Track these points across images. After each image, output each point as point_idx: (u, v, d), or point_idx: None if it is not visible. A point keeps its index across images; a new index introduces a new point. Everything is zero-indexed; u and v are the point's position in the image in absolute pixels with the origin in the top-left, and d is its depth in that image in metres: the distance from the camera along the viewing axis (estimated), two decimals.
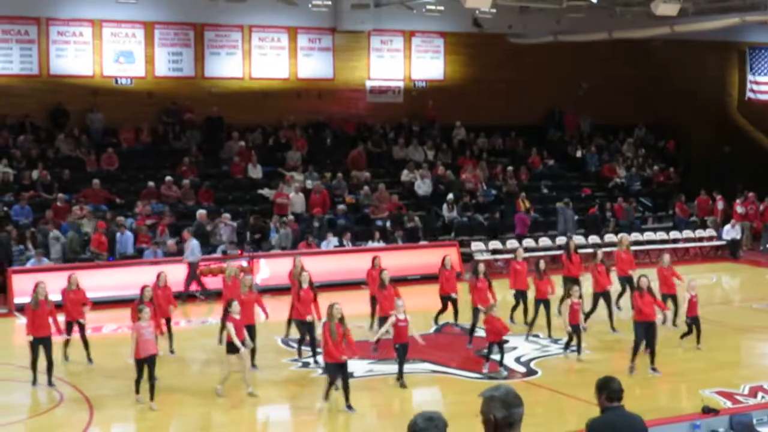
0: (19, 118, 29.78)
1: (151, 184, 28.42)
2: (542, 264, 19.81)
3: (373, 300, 19.06)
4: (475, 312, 18.68)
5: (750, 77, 39.59)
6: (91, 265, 24.27)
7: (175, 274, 23.47)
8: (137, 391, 14.97)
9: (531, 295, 20.02)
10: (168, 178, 28.74)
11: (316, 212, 28.42)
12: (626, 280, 21.15)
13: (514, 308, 20.24)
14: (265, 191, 29.84)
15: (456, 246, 27.61)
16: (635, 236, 30.16)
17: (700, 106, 37.57)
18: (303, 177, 30.30)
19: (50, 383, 16.10)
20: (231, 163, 30.66)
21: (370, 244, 27.12)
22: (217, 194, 29.41)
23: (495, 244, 29.07)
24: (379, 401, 16.03)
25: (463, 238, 29.15)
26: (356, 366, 17.26)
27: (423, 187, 31.49)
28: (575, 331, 17.77)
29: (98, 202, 27.57)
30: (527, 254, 25.10)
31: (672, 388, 16.58)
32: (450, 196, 30.54)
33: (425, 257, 26.21)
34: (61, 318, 17.09)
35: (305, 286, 17.36)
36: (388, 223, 28.86)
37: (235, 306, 15.51)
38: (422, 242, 28.43)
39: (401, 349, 16.05)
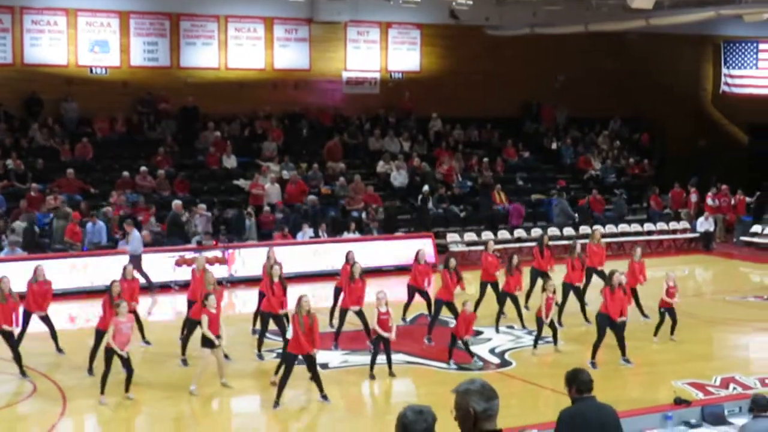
0: None
1: (126, 174, 28.29)
2: (515, 259, 19.81)
3: (336, 292, 19.10)
4: (437, 304, 18.71)
5: (724, 71, 39.81)
6: (65, 254, 24.15)
7: (150, 264, 23.47)
8: (102, 391, 14.80)
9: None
10: (143, 168, 28.60)
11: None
12: (594, 272, 21.17)
13: (478, 301, 20.14)
14: (241, 182, 29.78)
15: (431, 237, 27.68)
16: (610, 228, 30.46)
17: (676, 99, 37.77)
18: (279, 168, 30.24)
19: (23, 374, 16.01)
20: (206, 153, 30.56)
21: (346, 235, 27.13)
22: (193, 184, 29.29)
23: (470, 236, 29.15)
24: (352, 392, 16.06)
25: (438, 230, 29.19)
26: (331, 357, 17.31)
27: (399, 178, 31.50)
28: (550, 324, 17.82)
29: (72, 191, 27.41)
30: (501, 246, 25.22)
31: (644, 379, 16.68)
32: (425, 187, 30.55)
33: (400, 248, 26.27)
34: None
35: (276, 279, 17.37)
36: (363, 215, 28.88)
37: (212, 300, 15.47)
38: (398, 233, 28.48)
39: (380, 340, 16.04)
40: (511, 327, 19.65)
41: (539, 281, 20.49)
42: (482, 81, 34.89)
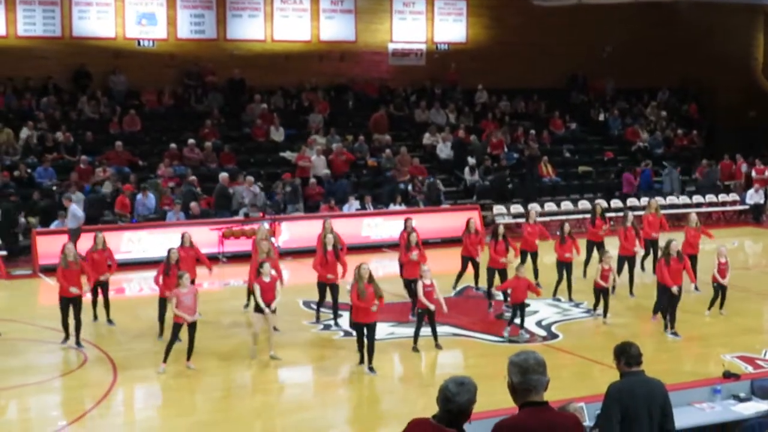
0: (42, 80, 29.93)
1: (173, 146, 28.49)
2: (567, 227, 19.78)
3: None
4: (489, 273, 18.73)
5: None
6: (115, 227, 24.42)
7: (199, 237, 23.61)
8: (165, 360, 14.99)
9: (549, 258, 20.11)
10: (190, 140, 28.80)
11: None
12: (650, 243, 21.17)
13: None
14: (287, 154, 29.88)
15: (477, 209, 27.62)
16: (658, 200, 30.30)
17: (725, 69, 37.21)
18: (325, 140, 30.31)
19: (78, 344, 16.24)
20: (253, 125, 30.69)
21: (392, 208, 27.16)
22: (239, 157, 29.46)
23: (516, 208, 29.07)
24: (400, 363, 16.11)
25: (484, 202, 29.13)
26: (377, 329, 17.35)
27: (445, 150, 31.44)
28: (603, 294, 17.73)
29: (121, 164, 27.70)
30: (548, 218, 25.03)
31: (693, 352, 16.58)
32: (472, 159, 30.46)
33: (447, 220, 26.25)
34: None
35: (329, 248, 17.50)
36: (410, 187, 28.86)
37: (266, 268, 15.56)
38: (444, 205, 28.47)
39: (425, 313, 16.06)
40: (558, 299, 19.60)
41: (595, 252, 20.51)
42: (529, 52, 34.65)
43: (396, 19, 34.27)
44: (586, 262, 21.05)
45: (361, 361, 14.98)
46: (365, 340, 14.91)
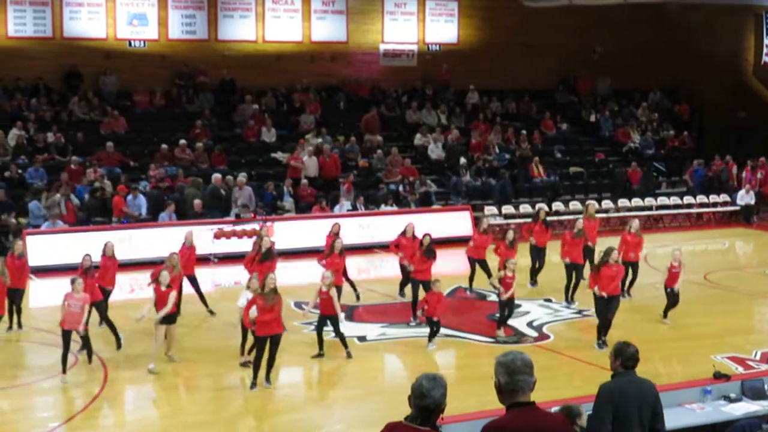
0: (32, 80, 29.85)
1: (164, 146, 28.44)
2: (510, 234, 19.63)
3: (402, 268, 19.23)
4: (415, 284, 18.11)
5: (766, 41, 39.21)
6: (105, 227, 24.37)
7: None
8: (64, 370, 14.76)
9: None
10: (181, 141, 28.74)
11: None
12: (588, 250, 20.16)
13: (471, 277, 20.46)
14: (279, 155, 29.85)
15: (469, 210, 27.63)
16: (649, 201, 30.49)
17: (716, 70, 37.28)
18: (318, 140, 30.27)
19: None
20: (244, 126, 30.66)
21: (383, 208, 27.15)
22: (230, 157, 29.41)
23: (507, 209, 29.07)
24: (390, 363, 16.13)
25: (475, 203, 29.14)
26: (368, 329, 17.38)
27: (436, 151, 31.44)
28: (506, 305, 17.06)
29: (112, 164, 27.64)
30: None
31: (683, 353, 16.59)
32: (462, 160, 30.47)
33: (437, 221, 26.23)
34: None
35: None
36: (400, 187, 28.85)
37: (163, 276, 15.28)
38: (435, 206, 28.47)
39: (325, 319, 15.81)
40: (549, 300, 19.62)
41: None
42: (520, 53, 34.65)
43: (387, 20, 34.26)
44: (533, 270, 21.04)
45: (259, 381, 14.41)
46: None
